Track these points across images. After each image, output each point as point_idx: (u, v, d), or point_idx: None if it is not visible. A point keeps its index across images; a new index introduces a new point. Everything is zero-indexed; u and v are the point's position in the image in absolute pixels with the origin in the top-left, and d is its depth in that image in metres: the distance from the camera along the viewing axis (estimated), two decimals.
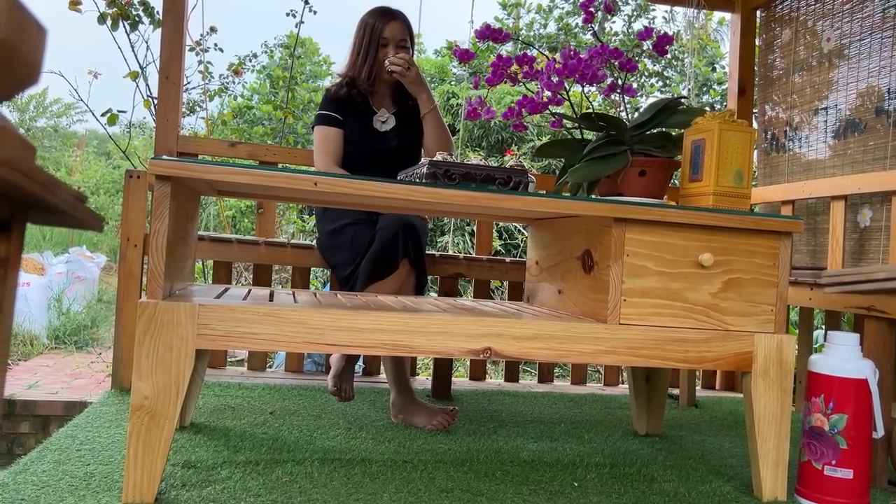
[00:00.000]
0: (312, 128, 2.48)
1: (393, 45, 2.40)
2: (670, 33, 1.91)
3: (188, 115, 4.45)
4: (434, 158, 1.60)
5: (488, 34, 1.83)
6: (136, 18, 3.49)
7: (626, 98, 1.97)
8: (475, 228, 3.12)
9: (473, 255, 2.79)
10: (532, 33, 9.96)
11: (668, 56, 9.08)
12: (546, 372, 3.11)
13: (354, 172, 2.36)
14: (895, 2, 2.38)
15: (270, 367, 3.29)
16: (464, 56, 1.88)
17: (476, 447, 1.92)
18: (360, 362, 3.02)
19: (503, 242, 6.54)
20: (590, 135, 1.96)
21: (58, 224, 0.56)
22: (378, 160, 2.41)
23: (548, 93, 1.87)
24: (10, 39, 0.42)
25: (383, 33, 2.39)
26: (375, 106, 2.47)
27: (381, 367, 2.98)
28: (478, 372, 3.02)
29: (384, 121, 2.47)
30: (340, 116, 2.41)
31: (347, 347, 1.44)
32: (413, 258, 2.16)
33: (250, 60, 5.39)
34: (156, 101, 2.85)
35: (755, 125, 3.10)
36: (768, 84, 3.03)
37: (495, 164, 1.68)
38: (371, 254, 2.15)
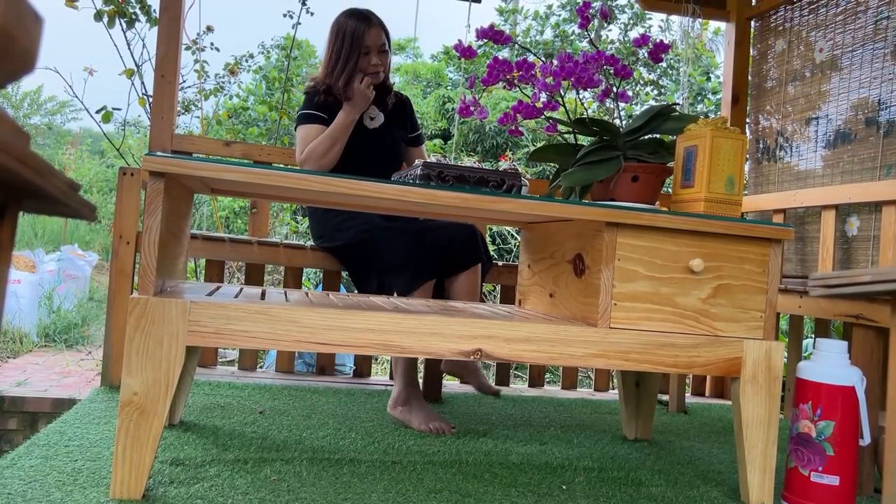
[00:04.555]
0: (296, 128, 2.44)
1: (375, 52, 2.35)
2: (666, 42, 1.92)
3: (183, 113, 4.45)
4: (428, 160, 1.61)
5: (489, 34, 1.84)
6: (133, 16, 3.49)
7: (621, 104, 1.99)
8: None
9: None
10: (528, 40, 10.00)
11: (664, 65, 9.13)
12: (537, 376, 3.12)
13: (351, 172, 2.34)
14: (887, 14, 2.41)
15: (261, 367, 3.28)
16: (465, 53, 1.89)
17: (465, 449, 1.92)
18: (351, 363, 3.02)
19: (496, 247, 6.54)
20: (584, 140, 1.97)
21: (51, 212, 0.57)
22: (373, 159, 2.41)
23: (543, 97, 1.88)
24: (7, 27, 0.42)
25: (365, 41, 2.31)
26: None
27: (372, 369, 2.99)
28: None
29: (373, 118, 2.46)
30: (326, 116, 2.36)
31: (338, 347, 1.45)
32: (483, 262, 2.28)
33: (246, 61, 5.39)
34: (151, 100, 2.85)
35: (748, 134, 3.12)
36: (762, 94, 3.05)
37: (489, 168, 1.69)
38: (447, 247, 2.16)
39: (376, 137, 2.45)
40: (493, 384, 2.48)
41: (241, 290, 1.87)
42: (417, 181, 1.57)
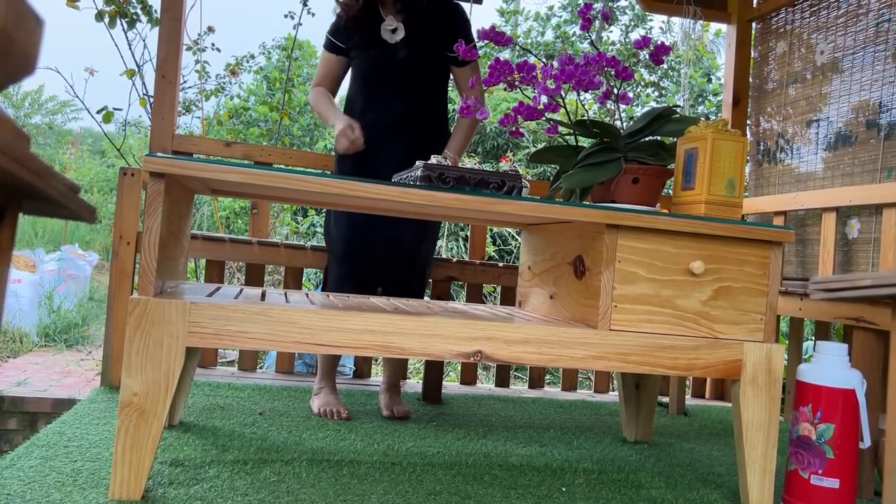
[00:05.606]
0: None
1: None
2: (667, 43, 1.92)
3: (184, 114, 4.45)
4: (429, 161, 1.61)
5: (491, 35, 1.84)
6: (134, 16, 3.49)
7: (622, 106, 1.98)
8: (469, 233, 3.13)
9: (467, 259, 2.80)
10: (529, 41, 10.00)
11: (665, 66, 9.13)
12: (537, 378, 3.12)
13: (367, 93, 2.24)
14: (888, 16, 2.41)
15: (261, 367, 3.28)
16: (466, 53, 1.89)
17: (465, 451, 1.92)
18: (351, 364, 3.02)
19: (497, 248, 6.54)
20: (585, 142, 1.97)
21: (51, 214, 0.57)
22: (387, 76, 2.24)
23: (544, 99, 1.88)
24: (7, 28, 0.42)
25: None
26: (384, 13, 2.23)
27: (373, 370, 2.99)
28: (469, 376, 3.02)
29: (393, 29, 2.22)
30: (344, 42, 2.26)
31: (338, 348, 1.44)
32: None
33: (247, 61, 5.39)
34: (152, 100, 2.85)
35: (748, 136, 3.12)
36: (762, 96, 3.05)
37: (490, 169, 1.69)
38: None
39: (389, 55, 2.22)
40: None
41: (242, 290, 1.87)
42: (418, 182, 1.57)
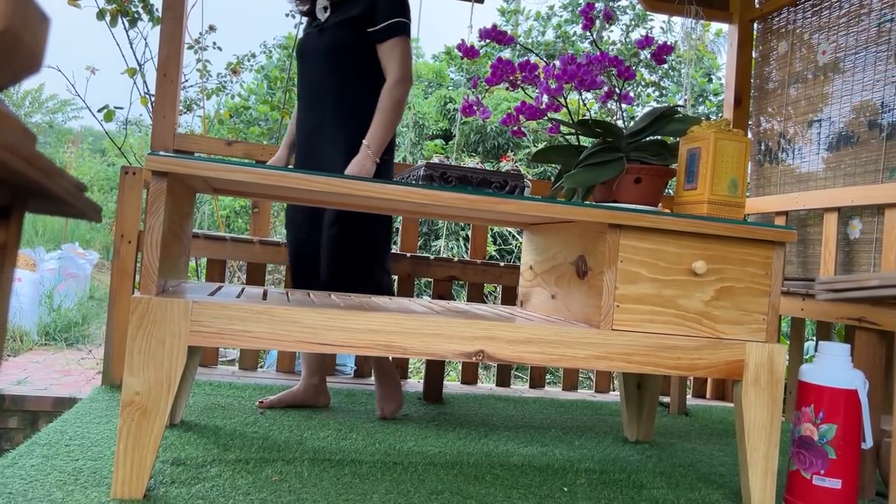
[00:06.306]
0: None
1: None
2: (669, 43, 1.92)
3: (185, 113, 4.45)
4: (431, 161, 1.61)
5: (493, 35, 1.84)
6: (136, 15, 3.49)
7: (623, 106, 1.98)
8: (469, 233, 3.13)
9: (468, 259, 2.80)
10: (530, 40, 10.00)
11: (665, 66, 9.13)
12: (537, 377, 3.12)
13: (298, 68, 2.27)
14: (890, 16, 2.40)
15: (262, 367, 3.28)
16: (469, 53, 1.89)
17: (467, 450, 1.92)
18: (352, 364, 3.02)
19: (497, 248, 6.54)
20: (586, 142, 1.97)
21: (56, 213, 0.57)
22: (307, 49, 2.22)
23: (546, 98, 1.88)
24: (13, 28, 0.42)
25: None
26: None
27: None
28: (469, 376, 3.02)
29: (324, 7, 2.19)
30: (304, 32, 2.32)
31: (340, 347, 1.44)
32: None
33: (248, 60, 5.39)
34: (153, 99, 2.85)
35: (749, 136, 3.12)
36: (764, 96, 3.05)
37: (491, 169, 1.69)
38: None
39: (314, 30, 2.21)
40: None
41: (243, 290, 1.87)
42: (421, 182, 1.57)
